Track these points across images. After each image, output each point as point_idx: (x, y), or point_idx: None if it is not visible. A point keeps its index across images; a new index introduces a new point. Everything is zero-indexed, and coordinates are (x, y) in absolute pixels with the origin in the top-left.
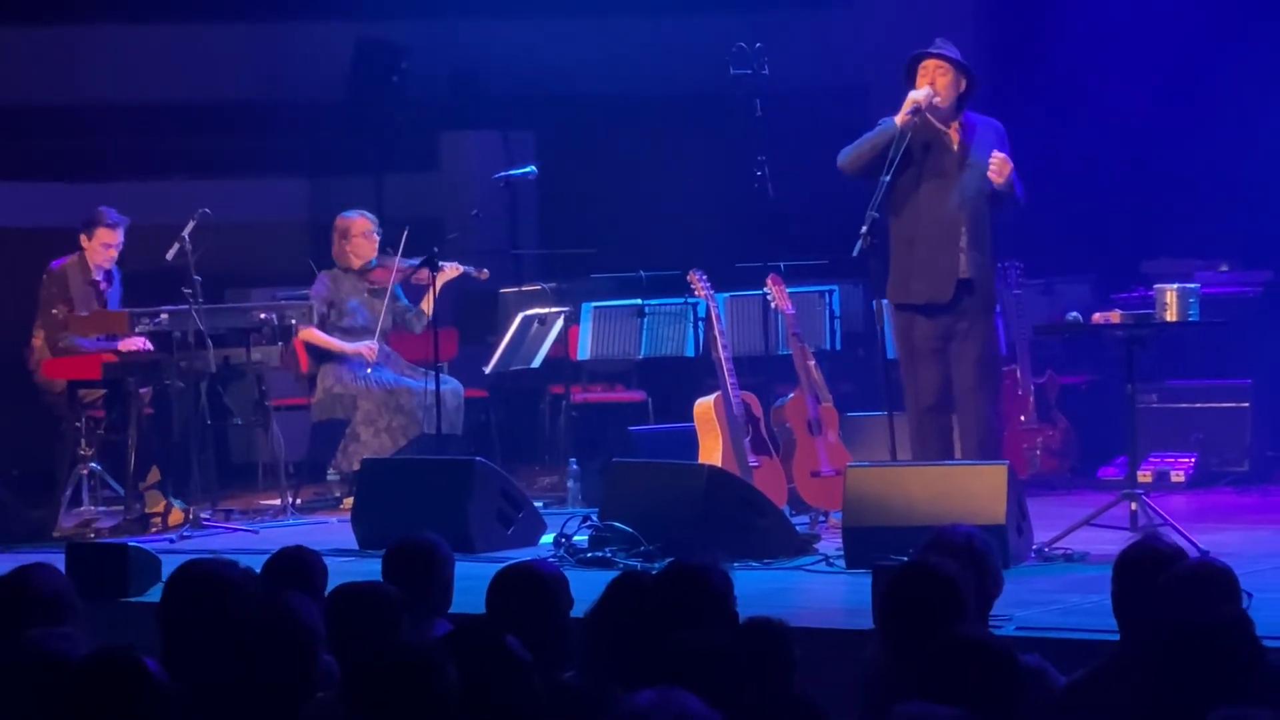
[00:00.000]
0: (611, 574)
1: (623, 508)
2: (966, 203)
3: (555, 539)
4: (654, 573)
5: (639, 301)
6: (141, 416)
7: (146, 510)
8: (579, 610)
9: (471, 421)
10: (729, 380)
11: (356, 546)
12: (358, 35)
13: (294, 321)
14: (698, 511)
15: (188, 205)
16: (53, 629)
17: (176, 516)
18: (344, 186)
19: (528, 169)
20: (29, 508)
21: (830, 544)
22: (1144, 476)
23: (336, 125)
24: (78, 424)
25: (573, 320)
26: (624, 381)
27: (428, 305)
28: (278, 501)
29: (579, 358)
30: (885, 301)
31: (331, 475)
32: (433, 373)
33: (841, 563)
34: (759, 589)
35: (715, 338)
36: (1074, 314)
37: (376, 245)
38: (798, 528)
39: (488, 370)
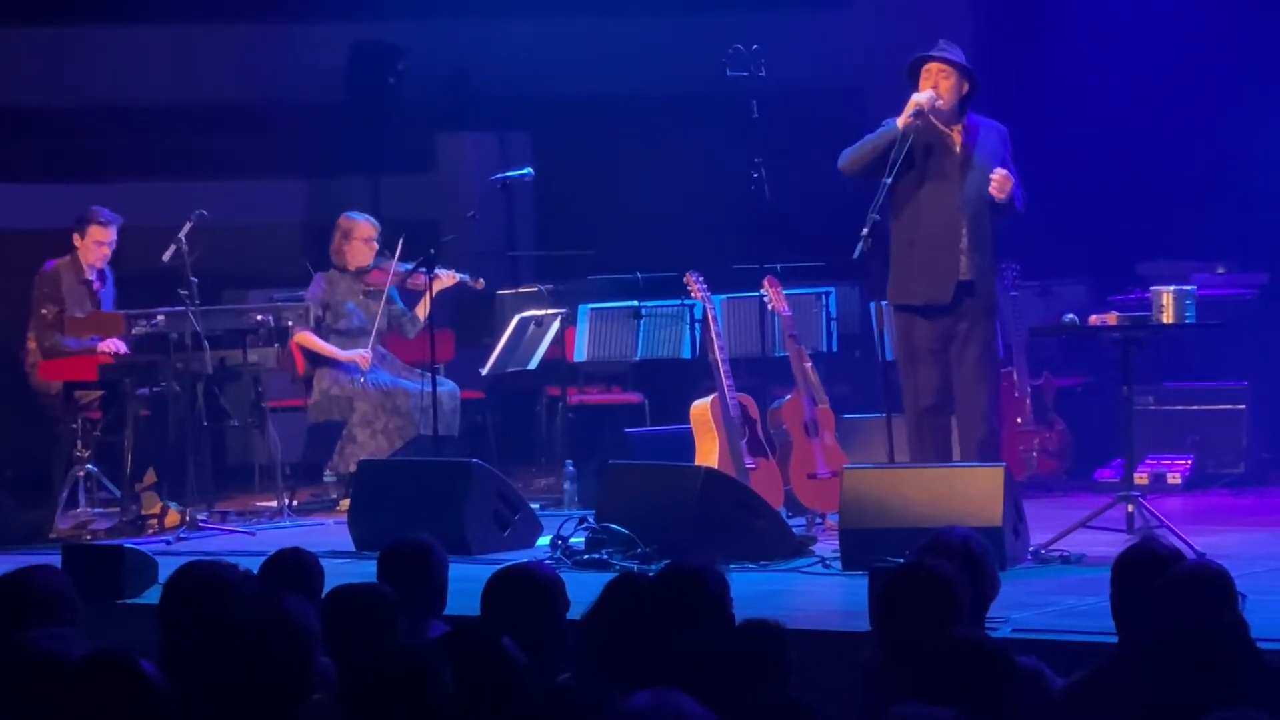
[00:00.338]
0: (608, 576)
1: (619, 510)
2: (968, 205)
3: (552, 541)
4: (650, 575)
5: (635, 303)
6: (138, 418)
7: (143, 512)
8: (575, 612)
9: (468, 423)
10: (725, 382)
11: (353, 548)
12: (354, 37)
13: (290, 323)
14: (694, 513)
15: (184, 206)
16: (50, 629)
17: (173, 518)
18: (341, 188)
19: (524, 170)
20: (25, 509)
21: (827, 546)
22: (1140, 479)
23: (333, 127)
24: (74, 426)
25: (569, 322)
26: (620, 383)
27: (423, 310)
28: (274, 503)
29: (576, 359)
30: (883, 303)
31: (328, 477)
32: (429, 374)
33: (838, 564)
34: (755, 591)
35: (712, 339)
36: (1070, 316)
37: (374, 253)
38: (794, 529)
39: (484, 372)
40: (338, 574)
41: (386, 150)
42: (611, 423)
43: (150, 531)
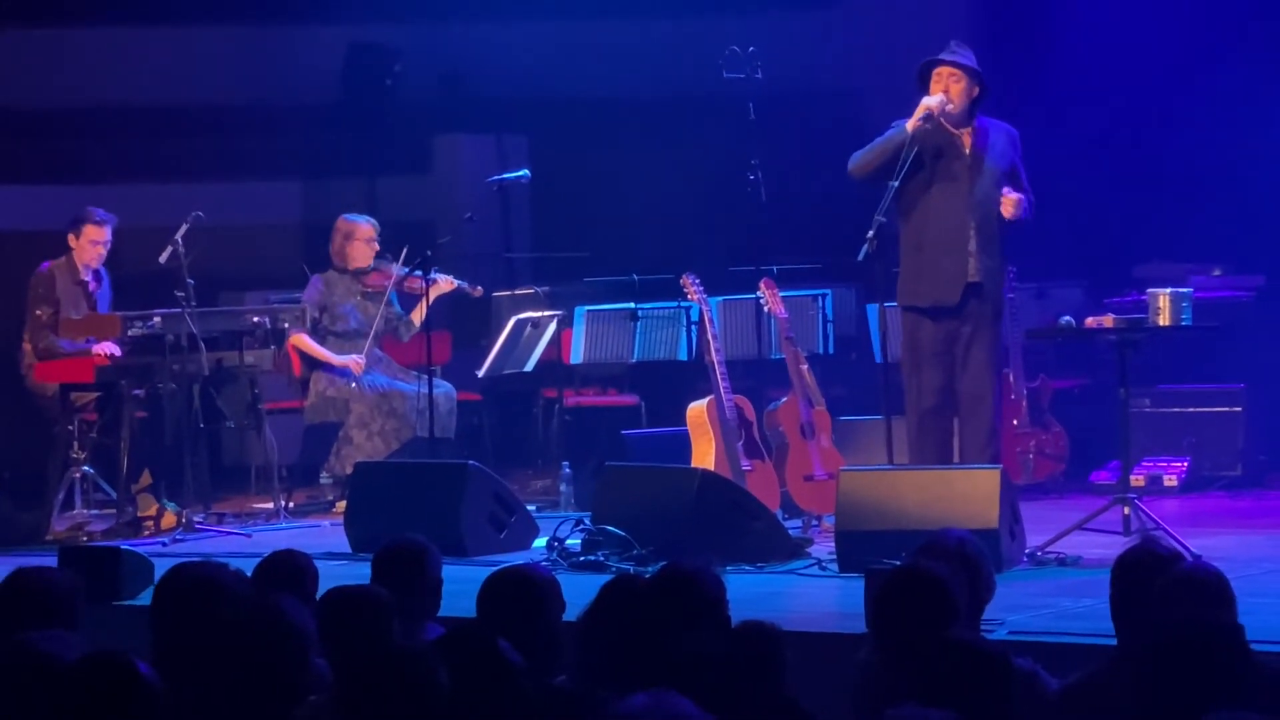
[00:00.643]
0: (604, 578)
1: (615, 511)
2: (977, 207)
3: (548, 543)
4: (647, 576)
5: (632, 305)
6: (134, 420)
7: (139, 513)
8: (571, 614)
9: (464, 425)
10: (722, 384)
11: (349, 550)
12: (351, 39)
13: (287, 325)
14: (690, 515)
15: (181, 208)
16: (47, 631)
17: (169, 520)
18: (337, 190)
19: (521, 173)
20: (21, 511)
21: (823, 548)
22: (1137, 481)
23: (330, 128)
24: (70, 427)
25: (566, 324)
26: (617, 385)
27: (418, 315)
28: (270, 505)
29: (572, 361)
30: (885, 305)
31: (324, 479)
32: (425, 376)
33: (834, 566)
34: (752, 593)
35: (708, 341)
36: (1067, 318)
37: (374, 254)
38: (790, 531)
39: (481, 374)
40: (334, 576)
41: (383, 152)
42: (608, 425)
43: (147, 533)
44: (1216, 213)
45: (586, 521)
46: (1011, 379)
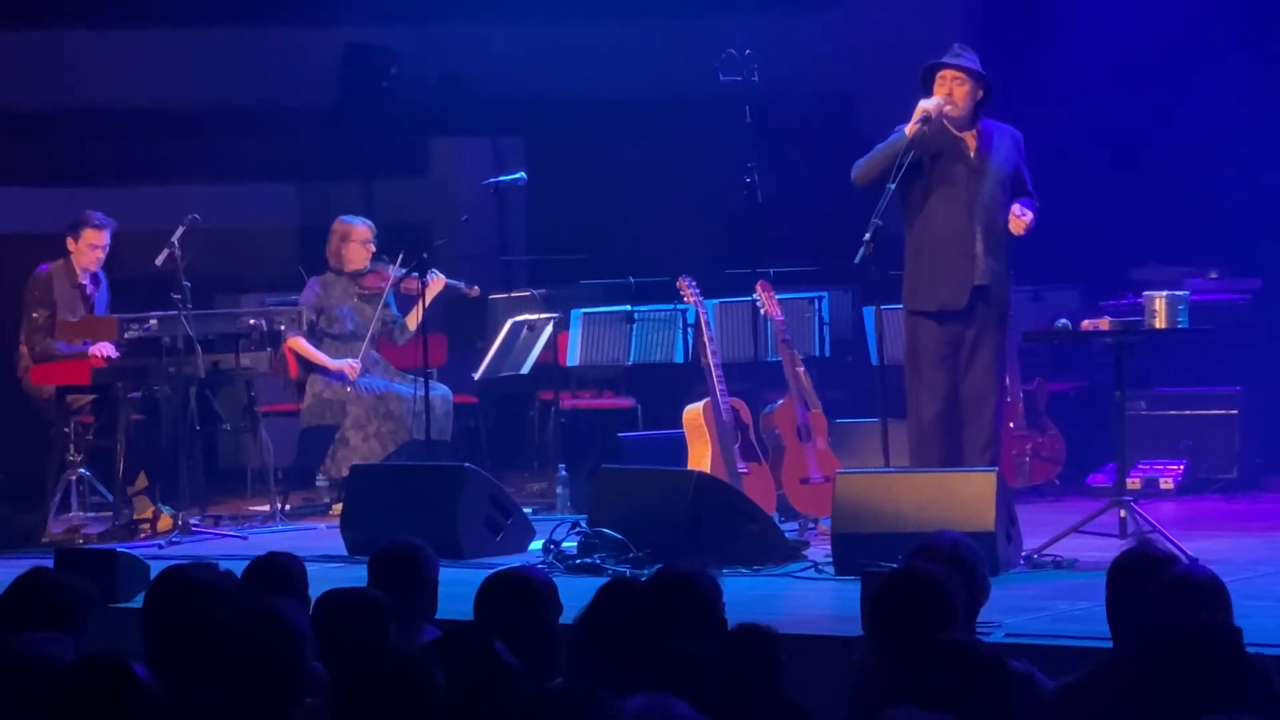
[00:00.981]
0: (601, 580)
1: (612, 514)
2: (982, 210)
3: (544, 545)
4: (643, 579)
5: (628, 308)
6: (130, 422)
7: (135, 516)
8: (568, 616)
9: (460, 427)
10: (718, 386)
11: (345, 552)
12: (347, 41)
13: (283, 327)
14: (687, 518)
15: (177, 210)
16: (43, 634)
17: (165, 522)
18: (333, 192)
19: (517, 175)
20: (17, 513)
21: (819, 550)
22: (1133, 483)
23: (326, 130)
24: (66, 429)
25: (562, 326)
26: (613, 388)
27: (414, 319)
28: (267, 507)
29: (568, 364)
30: (877, 308)
31: (321, 481)
32: (422, 379)
33: (830, 569)
34: (748, 595)
35: (704, 344)
36: (1063, 321)
37: (371, 256)
38: (786, 534)
39: (477, 376)
40: (330, 579)
41: (379, 154)
42: (604, 427)
43: (143, 535)
44: (1213, 216)
45: (583, 524)
46: (1008, 381)
